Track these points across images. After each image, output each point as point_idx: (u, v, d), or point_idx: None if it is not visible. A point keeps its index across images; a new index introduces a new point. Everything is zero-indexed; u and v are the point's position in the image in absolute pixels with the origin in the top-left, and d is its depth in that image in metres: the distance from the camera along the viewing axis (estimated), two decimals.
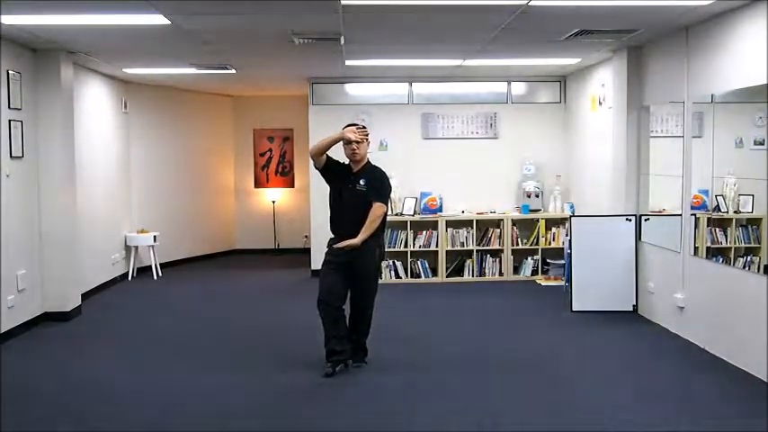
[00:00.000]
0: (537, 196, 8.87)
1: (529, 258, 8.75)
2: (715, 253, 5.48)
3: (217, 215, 10.92)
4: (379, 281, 5.20)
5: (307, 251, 9.48)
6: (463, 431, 4.00)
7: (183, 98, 10.08)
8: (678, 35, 5.87)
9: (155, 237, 9.08)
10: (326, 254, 5.05)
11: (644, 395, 4.49)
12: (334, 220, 5.12)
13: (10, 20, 5.29)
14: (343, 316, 5.05)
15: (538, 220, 8.71)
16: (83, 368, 5.28)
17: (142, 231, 9.15)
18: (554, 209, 8.83)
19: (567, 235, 7.78)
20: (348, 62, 7.53)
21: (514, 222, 8.71)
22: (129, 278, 9.04)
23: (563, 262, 8.19)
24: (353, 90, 9.15)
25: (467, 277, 8.70)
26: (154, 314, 7.23)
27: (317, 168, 5.09)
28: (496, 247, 8.72)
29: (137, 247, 9.13)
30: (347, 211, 4.97)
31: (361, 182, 4.97)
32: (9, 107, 6.10)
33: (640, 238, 6.69)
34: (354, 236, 4.86)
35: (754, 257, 5.07)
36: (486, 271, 8.72)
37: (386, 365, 5.19)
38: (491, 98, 9.13)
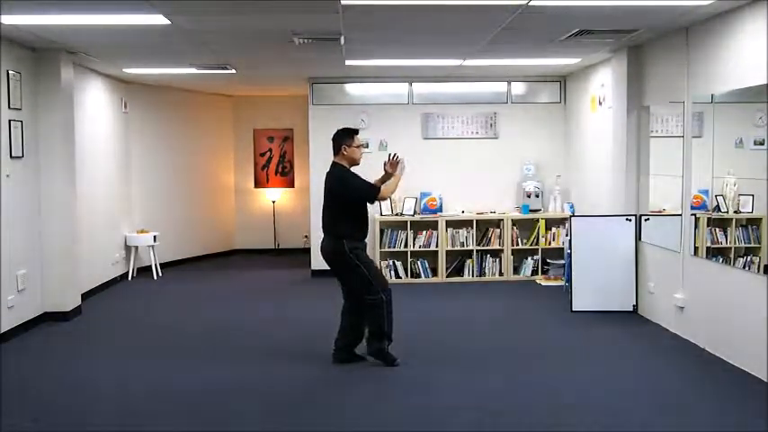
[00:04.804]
0: (537, 196, 8.87)
1: (529, 258, 8.75)
2: (715, 253, 5.48)
3: (217, 215, 10.92)
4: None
5: (307, 251, 9.47)
6: (463, 431, 4.01)
7: (183, 98, 10.08)
8: (678, 35, 5.87)
9: (155, 237, 9.08)
10: (362, 250, 5.16)
11: (644, 395, 4.49)
12: (365, 226, 5.22)
13: (10, 20, 5.28)
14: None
15: (538, 220, 8.71)
16: (82, 368, 5.28)
17: (142, 231, 9.15)
18: (554, 209, 8.83)
19: (567, 235, 7.78)
20: (348, 62, 7.53)
21: (514, 222, 8.71)
22: (129, 278, 9.04)
23: (563, 262, 8.19)
24: (353, 90, 9.15)
25: (467, 277, 8.70)
26: (154, 314, 7.23)
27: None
28: (496, 247, 8.72)
29: (137, 247, 9.13)
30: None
31: None
32: (9, 107, 6.10)
33: (640, 238, 6.69)
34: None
35: (754, 257, 5.07)
36: (486, 271, 8.72)
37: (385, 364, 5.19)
38: (491, 98, 9.13)
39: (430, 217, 8.69)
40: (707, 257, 5.52)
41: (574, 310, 6.81)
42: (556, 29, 5.85)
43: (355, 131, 5.23)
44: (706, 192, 5.57)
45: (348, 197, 5.13)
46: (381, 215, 8.66)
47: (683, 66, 5.79)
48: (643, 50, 6.59)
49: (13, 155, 6.14)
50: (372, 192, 5.14)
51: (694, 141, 5.69)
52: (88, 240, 7.67)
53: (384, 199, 5.22)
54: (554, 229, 8.73)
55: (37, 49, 6.53)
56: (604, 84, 7.63)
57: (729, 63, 5.16)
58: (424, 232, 8.68)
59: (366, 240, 5.25)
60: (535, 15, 5.23)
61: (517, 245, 8.71)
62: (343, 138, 5.17)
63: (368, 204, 5.25)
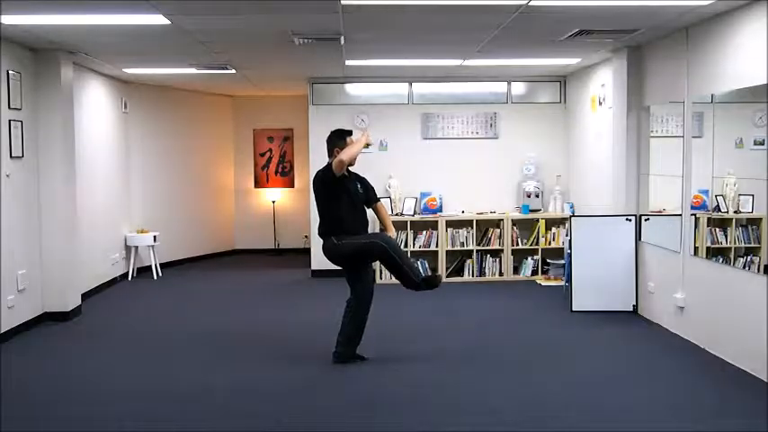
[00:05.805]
0: (537, 196, 8.87)
1: (529, 258, 8.75)
2: (715, 253, 5.48)
3: (217, 215, 10.92)
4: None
5: (307, 251, 9.48)
6: (463, 430, 4.01)
7: (183, 98, 10.08)
8: (678, 35, 5.87)
9: (155, 237, 9.08)
10: (348, 238, 5.15)
11: (643, 395, 4.49)
12: (347, 218, 5.17)
13: (10, 20, 5.29)
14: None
15: (538, 220, 8.71)
16: (82, 368, 5.28)
17: (142, 231, 9.16)
18: (554, 209, 8.84)
19: (567, 235, 7.78)
20: (348, 62, 7.53)
21: (514, 222, 8.71)
22: (129, 278, 9.04)
23: (563, 262, 8.19)
24: (353, 90, 9.15)
25: (467, 277, 8.70)
26: (154, 314, 7.23)
27: (338, 175, 5.06)
28: (496, 247, 8.72)
29: (137, 247, 9.13)
30: (360, 210, 5.29)
31: (357, 184, 5.32)
32: (9, 107, 6.10)
33: (640, 238, 6.69)
34: (366, 230, 5.31)
35: (754, 257, 5.07)
36: (486, 271, 8.72)
37: (386, 364, 5.19)
38: (491, 98, 9.13)
39: (430, 217, 8.69)
40: (707, 257, 5.52)
41: (574, 310, 6.81)
42: (556, 29, 5.85)
43: (348, 133, 5.26)
44: (706, 192, 5.57)
45: (317, 186, 5.20)
46: None
47: (683, 66, 5.79)
48: (643, 50, 6.59)
49: (13, 155, 6.14)
50: (329, 165, 5.12)
51: (694, 141, 5.69)
52: (88, 240, 7.67)
53: (343, 164, 4.99)
54: (554, 229, 8.73)
55: (37, 49, 6.53)
56: (604, 84, 7.63)
57: (729, 63, 5.16)
58: (424, 232, 8.68)
59: (359, 233, 5.22)
60: (535, 15, 5.23)
61: (517, 245, 8.71)
62: (336, 140, 5.22)
63: (352, 196, 5.21)
